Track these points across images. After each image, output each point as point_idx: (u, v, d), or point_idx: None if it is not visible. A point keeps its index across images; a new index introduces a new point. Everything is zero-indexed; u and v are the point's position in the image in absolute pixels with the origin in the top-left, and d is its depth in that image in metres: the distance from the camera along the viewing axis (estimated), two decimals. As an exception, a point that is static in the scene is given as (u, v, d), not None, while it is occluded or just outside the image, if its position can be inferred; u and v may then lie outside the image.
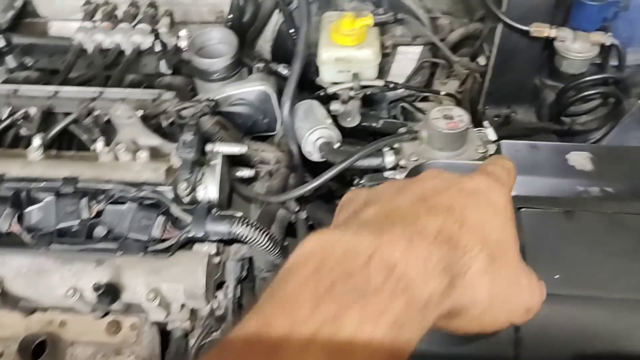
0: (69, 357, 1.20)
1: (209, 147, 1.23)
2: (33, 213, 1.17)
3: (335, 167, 1.22)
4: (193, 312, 1.23)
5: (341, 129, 1.58)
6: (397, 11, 1.64)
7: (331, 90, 1.55)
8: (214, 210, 1.18)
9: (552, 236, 0.88)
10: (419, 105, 1.73)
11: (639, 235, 0.86)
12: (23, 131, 1.38)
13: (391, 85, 1.54)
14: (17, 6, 1.93)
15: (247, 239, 1.13)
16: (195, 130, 1.19)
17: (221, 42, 1.47)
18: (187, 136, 1.17)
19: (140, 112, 1.32)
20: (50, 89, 1.38)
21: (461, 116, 1.19)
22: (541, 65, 1.40)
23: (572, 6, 1.28)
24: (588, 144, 1.04)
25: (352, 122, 1.60)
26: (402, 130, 1.25)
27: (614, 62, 1.36)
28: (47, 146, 1.34)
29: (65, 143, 1.43)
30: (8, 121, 1.35)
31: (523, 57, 1.37)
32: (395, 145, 1.24)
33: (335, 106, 1.59)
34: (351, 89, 1.52)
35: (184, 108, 1.30)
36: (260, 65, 1.47)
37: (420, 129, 1.22)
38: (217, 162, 1.22)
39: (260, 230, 1.14)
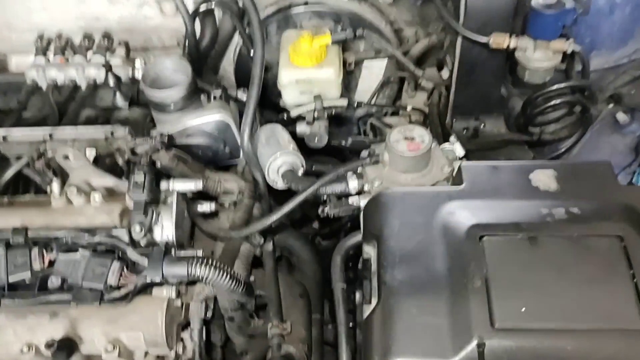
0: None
1: (163, 185, 1.18)
2: (-20, 267, 1.11)
3: (297, 197, 1.17)
4: (159, 358, 1.18)
5: (310, 149, 1.54)
6: (357, 26, 1.59)
7: (294, 113, 1.51)
8: (173, 251, 1.14)
9: (516, 264, 0.84)
10: (388, 120, 1.69)
11: (605, 258, 0.82)
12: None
13: (355, 105, 1.50)
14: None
15: (208, 280, 1.08)
16: (147, 169, 1.14)
17: (176, 71, 1.42)
18: (138, 176, 1.12)
19: (93, 152, 1.27)
20: (0, 132, 1.33)
21: (422, 136, 1.15)
22: (505, 75, 1.37)
23: (529, 16, 1.25)
24: (552, 162, 1.00)
25: (319, 142, 1.55)
26: (364, 154, 1.21)
27: (578, 68, 1.32)
28: (1, 191, 1.30)
29: (22, 186, 1.38)
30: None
31: (486, 68, 1.34)
32: (359, 170, 1.20)
33: (301, 128, 1.55)
34: (315, 110, 1.48)
35: (138, 145, 1.24)
36: (217, 92, 1.42)
37: (381, 152, 1.17)
38: (173, 200, 1.17)
39: (221, 270, 1.08)
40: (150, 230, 1.14)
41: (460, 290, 0.81)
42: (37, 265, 1.12)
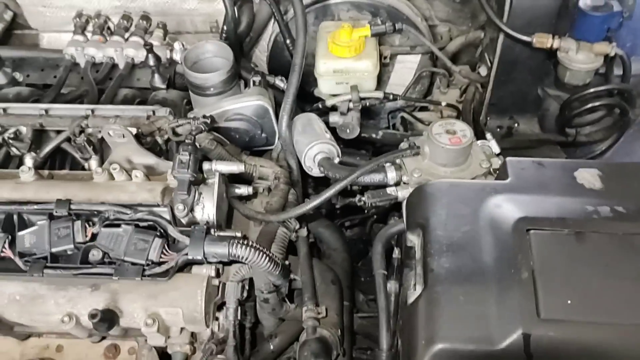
0: (66, 384, 1.17)
1: (206, 166, 1.20)
2: (26, 237, 1.13)
3: (336, 185, 1.19)
4: (193, 336, 1.20)
5: (341, 139, 1.56)
6: (395, 20, 1.60)
7: (330, 102, 1.53)
8: (213, 231, 1.15)
9: (562, 259, 0.85)
10: (419, 115, 1.70)
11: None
12: (14, 150, 1.35)
13: (391, 97, 1.51)
14: (7, 19, 1.91)
15: (247, 260, 1.10)
16: (192, 149, 1.16)
17: (216, 56, 1.44)
18: (183, 156, 1.14)
19: (134, 130, 1.29)
20: (42, 106, 1.35)
21: (464, 130, 1.17)
22: (544, 75, 1.38)
23: (575, 17, 1.25)
24: (596, 161, 1.01)
25: (351, 134, 1.57)
26: (403, 145, 1.22)
27: (618, 71, 1.33)
28: (39, 166, 1.32)
29: (58, 162, 1.40)
30: (-3, 143, 1.32)
31: (525, 68, 1.35)
32: (397, 161, 1.21)
33: (334, 118, 1.56)
34: (350, 101, 1.49)
35: (179, 125, 1.26)
36: (257, 78, 1.44)
37: (422, 144, 1.19)
38: (215, 182, 1.19)
39: (260, 252, 1.10)
40: (192, 209, 1.16)
41: (506, 280, 0.83)
42: (79, 238, 1.13)
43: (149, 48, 1.49)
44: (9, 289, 1.11)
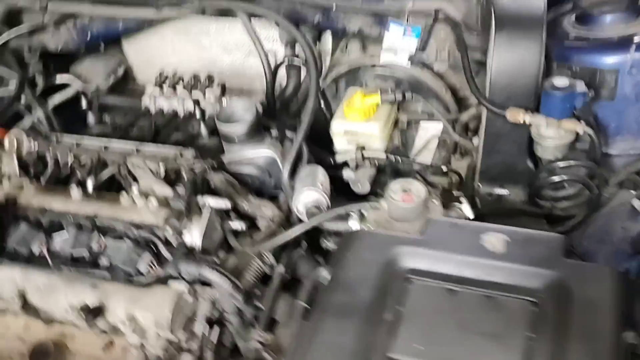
0: (69, 365, 1.42)
1: (200, 200, 1.42)
2: (57, 239, 1.44)
3: (300, 226, 1.34)
4: (171, 343, 1.40)
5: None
6: (416, 90, 1.74)
7: (339, 158, 1.69)
8: (196, 254, 1.36)
9: (430, 309, 0.92)
10: (431, 178, 1.79)
11: (510, 317, 0.87)
12: (78, 175, 1.71)
13: (393, 159, 1.63)
14: (120, 73, 2.35)
15: (213, 281, 1.28)
16: (189, 184, 1.40)
17: (246, 110, 1.68)
18: (180, 189, 1.38)
19: (162, 165, 1.57)
20: (103, 143, 1.68)
21: (419, 191, 1.25)
22: (529, 148, 1.41)
23: (541, 94, 1.30)
24: (508, 227, 1.03)
25: (362, 189, 1.71)
26: (370, 197, 1.34)
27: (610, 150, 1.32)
28: (97, 187, 1.65)
29: (114, 185, 1.73)
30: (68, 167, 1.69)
31: (509, 140, 1.39)
32: (364, 212, 1.33)
33: (346, 173, 1.72)
34: (355, 159, 1.64)
35: (194, 165, 1.51)
36: (274, 132, 1.66)
37: (382, 200, 1.30)
38: (206, 212, 1.40)
39: (226, 277, 1.28)
40: (180, 233, 1.38)
41: (374, 319, 0.91)
42: (94, 246, 1.42)
43: (196, 103, 1.79)
44: (37, 279, 1.41)
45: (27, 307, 1.41)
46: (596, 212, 1.31)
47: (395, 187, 1.28)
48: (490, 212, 1.43)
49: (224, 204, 1.42)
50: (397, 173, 1.92)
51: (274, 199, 1.64)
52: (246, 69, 2.21)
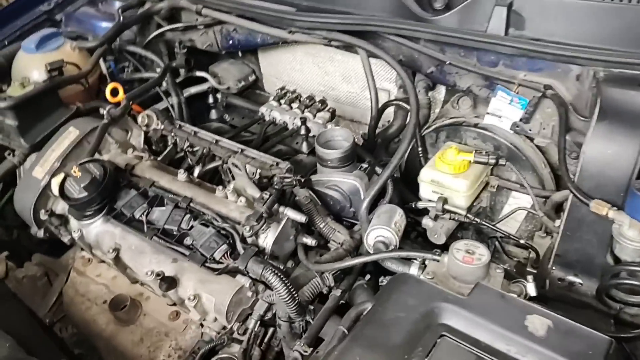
0: (138, 322, 1.62)
1: (281, 209, 1.56)
2: (156, 212, 1.65)
3: (363, 257, 1.42)
4: (224, 329, 1.54)
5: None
6: (513, 158, 1.76)
7: (419, 204, 1.75)
8: (266, 257, 1.50)
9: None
10: (509, 248, 1.79)
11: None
12: (189, 161, 1.92)
13: (471, 219, 1.67)
14: (250, 80, 2.58)
15: (272, 285, 1.41)
16: (275, 192, 1.54)
17: (343, 139, 1.80)
18: (265, 195, 1.53)
19: (258, 170, 1.73)
20: (215, 138, 1.89)
21: (482, 255, 1.29)
22: (611, 243, 1.38)
23: (629, 193, 1.27)
24: (554, 314, 1.02)
25: (438, 239, 1.75)
26: (435, 250, 1.39)
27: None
28: (201, 175, 1.86)
29: (216, 177, 1.93)
30: (182, 152, 1.91)
31: (591, 230, 1.37)
32: (425, 260, 1.39)
33: (425, 221, 1.77)
34: (435, 209, 1.70)
35: (285, 177, 1.65)
36: (365, 165, 1.76)
37: (444, 255, 1.35)
38: (282, 221, 1.54)
39: (284, 284, 1.40)
40: (256, 234, 1.52)
41: (396, 358, 0.97)
42: (184, 225, 1.60)
43: (303, 121, 1.95)
44: (131, 240, 1.63)
45: (118, 261, 1.62)
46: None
47: (460, 245, 1.32)
48: (556, 297, 1.42)
49: (300, 217, 1.54)
50: (479, 233, 1.95)
51: (350, 226, 1.74)
52: (360, 101, 2.34)
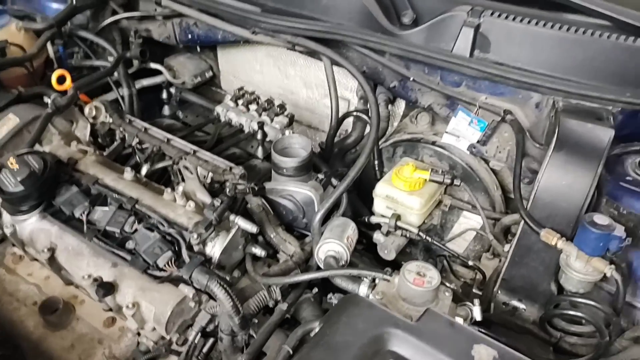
0: (70, 327, 1.52)
1: (231, 217, 1.50)
2: (97, 211, 1.55)
3: (313, 273, 1.39)
4: (163, 339, 1.47)
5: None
6: (467, 178, 1.77)
7: (372, 219, 1.73)
8: (212, 265, 1.44)
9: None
10: (456, 267, 1.80)
11: None
12: (137, 158, 1.83)
13: (423, 238, 1.66)
14: (207, 76, 2.50)
15: (216, 296, 1.35)
16: (226, 199, 1.48)
17: (302, 148, 1.76)
18: (216, 201, 1.47)
19: (210, 174, 1.66)
20: (167, 136, 1.80)
21: (433, 279, 1.28)
22: (557, 272, 1.40)
23: (579, 226, 1.29)
24: (501, 345, 1.03)
25: (387, 255, 1.74)
26: (386, 270, 1.37)
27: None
28: (148, 175, 1.77)
29: (165, 177, 1.84)
30: (130, 149, 1.82)
31: (538, 257, 1.39)
32: (376, 280, 1.36)
33: (377, 236, 1.75)
34: (387, 225, 1.68)
35: (239, 183, 1.59)
36: (321, 175, 1.72)
37: (395, 275, 1.32)
38: (232, 231, 1.48)
39: (230, 296, 1.34)
40: (204, 243, 1.46)
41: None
42: (127, 228, 1.52)
43: (260, 125, 1.89)
44: (69, 240, 1.53)
45: (52, 262, 1.52)
46: (603, 360, 1.28)
47: (411, 267, 1.30)
48: (499, 320, 1.42)
49: (251, 228, 1.49)
50: (428, 251, 1.95)
51: (302, 237, 1.70)
52: (320, 107, 2.31)
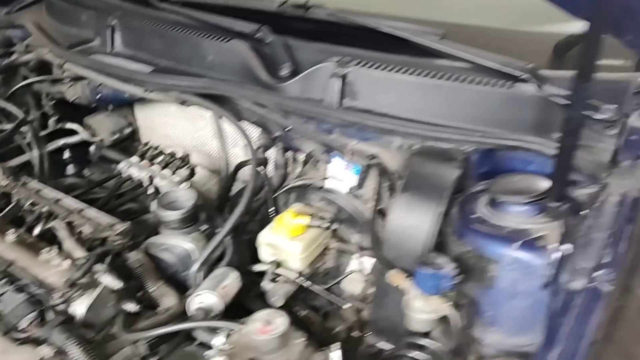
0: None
1: (96, 275, 1.51)
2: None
3: (174, 327, 1.40)
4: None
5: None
6: (354, 222, 1.79)
7: (255, 267, 1.75)
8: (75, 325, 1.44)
9: None
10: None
11: None
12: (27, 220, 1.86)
13: (304, 282, 1.67)
14: (125, 133, 2.55)
15: (74, 358, 1.35)
16: (92, 257, 1.50)
17: (187, 200, 1.79)
18: (80, 261, 1.48)
19: (90, 230, 1.69)
20: (57, 196, 1.83)
21: (279, 326, 1.29)
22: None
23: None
24: None
25: (275, 302, 1.74)
26: (242, 320, 1.38)
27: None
28: (40, 236, 1.79)
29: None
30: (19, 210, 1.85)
31: (394, 299, 1.39)
32: (230, 332, 1.37)
33: (263, 283, 1.76)
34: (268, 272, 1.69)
35: (116, 240, 1.61)
36: (204, 227, 1.75)
37: (243, 325, 1.33)
38: (98, 288, 1.49)
39: (87, 355, 1.34)
40: (67, 301, 1.47)
41: None
42: (-4, 290, 1.53)
43: (150, 179, 1.93)
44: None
45: None
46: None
47: (259, 316, 1.32)
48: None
49: (117, 284, 1.50)
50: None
51: (185, 290, 1.70)
52: (230, 158, 2.35)
